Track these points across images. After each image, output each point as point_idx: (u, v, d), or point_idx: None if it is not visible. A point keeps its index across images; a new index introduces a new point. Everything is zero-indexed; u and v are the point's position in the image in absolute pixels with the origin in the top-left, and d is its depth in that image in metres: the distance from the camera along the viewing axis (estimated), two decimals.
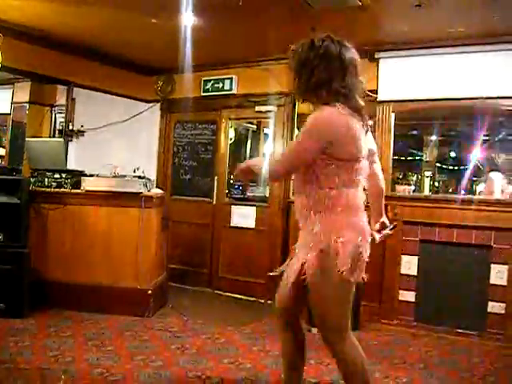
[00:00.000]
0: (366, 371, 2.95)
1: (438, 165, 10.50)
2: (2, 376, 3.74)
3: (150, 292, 5.64)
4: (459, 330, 5.45)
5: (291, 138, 6.78)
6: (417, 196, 6.08)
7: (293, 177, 3.11)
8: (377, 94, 6.21)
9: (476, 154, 6.80)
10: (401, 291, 5.82)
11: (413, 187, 6.70)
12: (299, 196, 3.02)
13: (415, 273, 5.78)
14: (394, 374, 4.31)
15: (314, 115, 2.88)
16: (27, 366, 3.95)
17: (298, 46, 3.03)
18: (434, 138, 9.40)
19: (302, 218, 3.01)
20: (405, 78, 6.09)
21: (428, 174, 10.20)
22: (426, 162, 10.11)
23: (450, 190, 10.01)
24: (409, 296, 5.78)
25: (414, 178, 9.85)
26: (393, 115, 6.18)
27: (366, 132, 2.98)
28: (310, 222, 2.94)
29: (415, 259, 5.78)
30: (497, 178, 6.43)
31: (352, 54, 2.95)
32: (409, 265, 5.79)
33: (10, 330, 4.86)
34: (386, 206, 5.78)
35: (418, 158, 10.01)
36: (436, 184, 10.37)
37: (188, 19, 5.59)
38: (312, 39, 2.97)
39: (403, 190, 6.04)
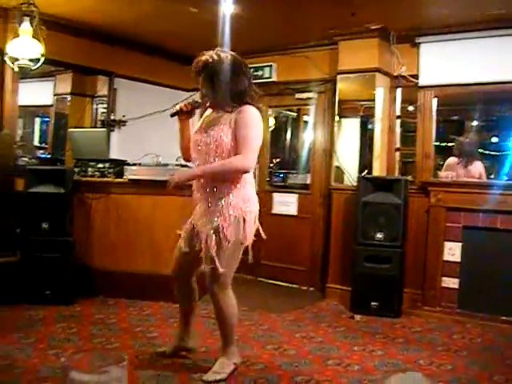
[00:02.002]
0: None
1: (480, 150, 10.33)
2: (52, 361, 3.84)
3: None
4: (503, 318, 5.36)
5: (332, 125, 6.73)
6: (459, 182, 5.99)
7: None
8: (418, 79, 6.16)
9: None
10: (444, 278, 5.75)
11: (455, 173, 6.60)
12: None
13: (458, 259, 5.70)
14: (437, 361, 4.28)
15: (251, 112, 3.53)
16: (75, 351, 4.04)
17: (206, 59, 3.55)
18: (475, 123, 9.25)
19: (207, 192, 3.70)
20: (446, 62, 6.01)
21: None
22: None
23: (493, 176, 9.85)
24: (452, 283, 5.72)
25: None
26: (435, 100, 6.12)
27: None
28: (217, 195, 3.65)
29: (458, 246, 5.71)
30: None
31: (247, 65, 3.67)
32: (452, 251, 5.72)
33: (58, 316, 4.99)
34: (429, 192, 5.78)
35: None
36: None
37: (227, 7, 5.61)
38: (218, 54, 3.54)
39: (446, 175, 5.97)
